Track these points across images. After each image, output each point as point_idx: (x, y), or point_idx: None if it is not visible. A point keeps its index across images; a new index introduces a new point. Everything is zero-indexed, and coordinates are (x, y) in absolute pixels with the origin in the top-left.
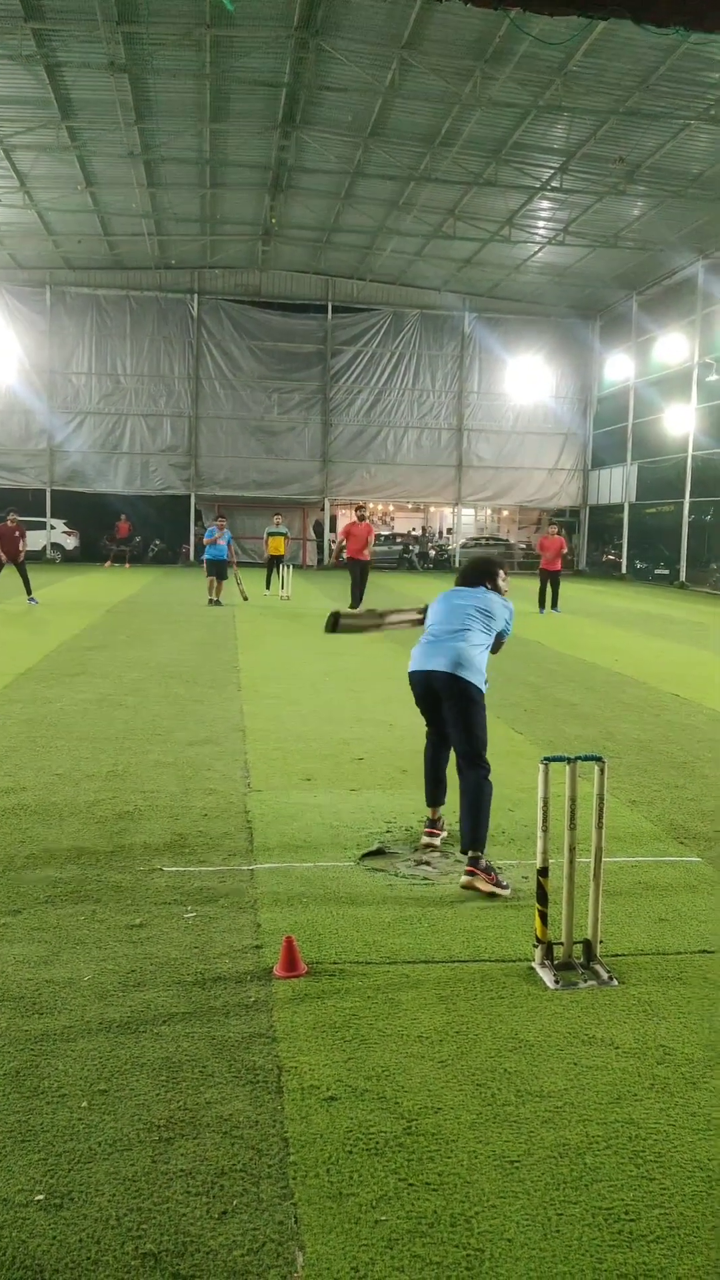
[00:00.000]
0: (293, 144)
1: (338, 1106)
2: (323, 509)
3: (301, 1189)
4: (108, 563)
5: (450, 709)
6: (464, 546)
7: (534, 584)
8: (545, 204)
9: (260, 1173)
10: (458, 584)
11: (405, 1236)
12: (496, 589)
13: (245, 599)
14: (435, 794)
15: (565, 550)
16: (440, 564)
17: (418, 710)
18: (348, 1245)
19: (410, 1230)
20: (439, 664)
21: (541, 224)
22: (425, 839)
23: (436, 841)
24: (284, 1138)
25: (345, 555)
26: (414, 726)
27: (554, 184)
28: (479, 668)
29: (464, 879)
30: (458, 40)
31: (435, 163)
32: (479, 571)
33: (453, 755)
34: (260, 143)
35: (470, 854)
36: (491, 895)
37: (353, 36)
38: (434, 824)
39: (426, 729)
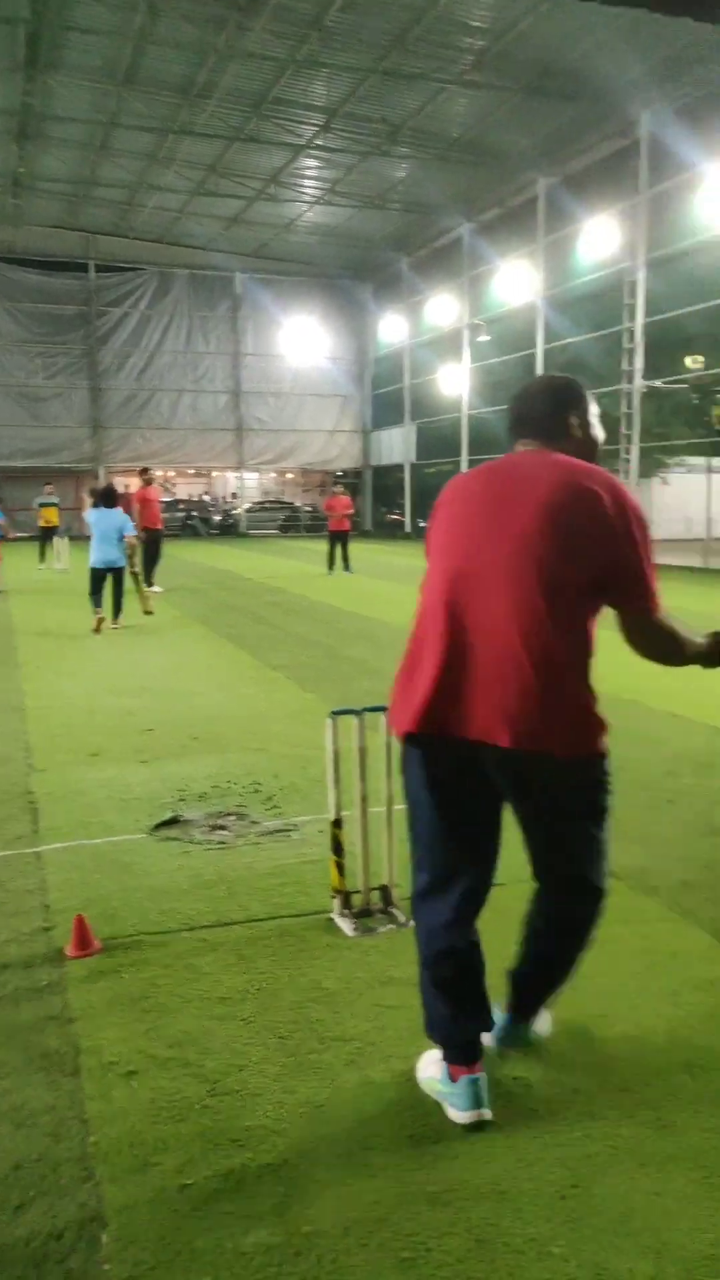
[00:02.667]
0: (39, 89)
1: (139, 1079)
2: (97, 476)
3: (104, 1167)
4: None
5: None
6: (249, 511)
7: (324, 546)
8: (310, 162)
9: (59, 1158)
10: None
11: (213, 1196)
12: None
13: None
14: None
15: (351, 511)
16: (226, 529)
17: (201, 674)
18: (154, 1215)
19: (218, 1189)
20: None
21: (308, 183)
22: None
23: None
24: (83, 1119)
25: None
26: (199, 691)
27: (317, 142)
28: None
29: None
30: None
31: (194, 115)
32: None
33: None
34: (2, 86)
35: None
36: None
37: None
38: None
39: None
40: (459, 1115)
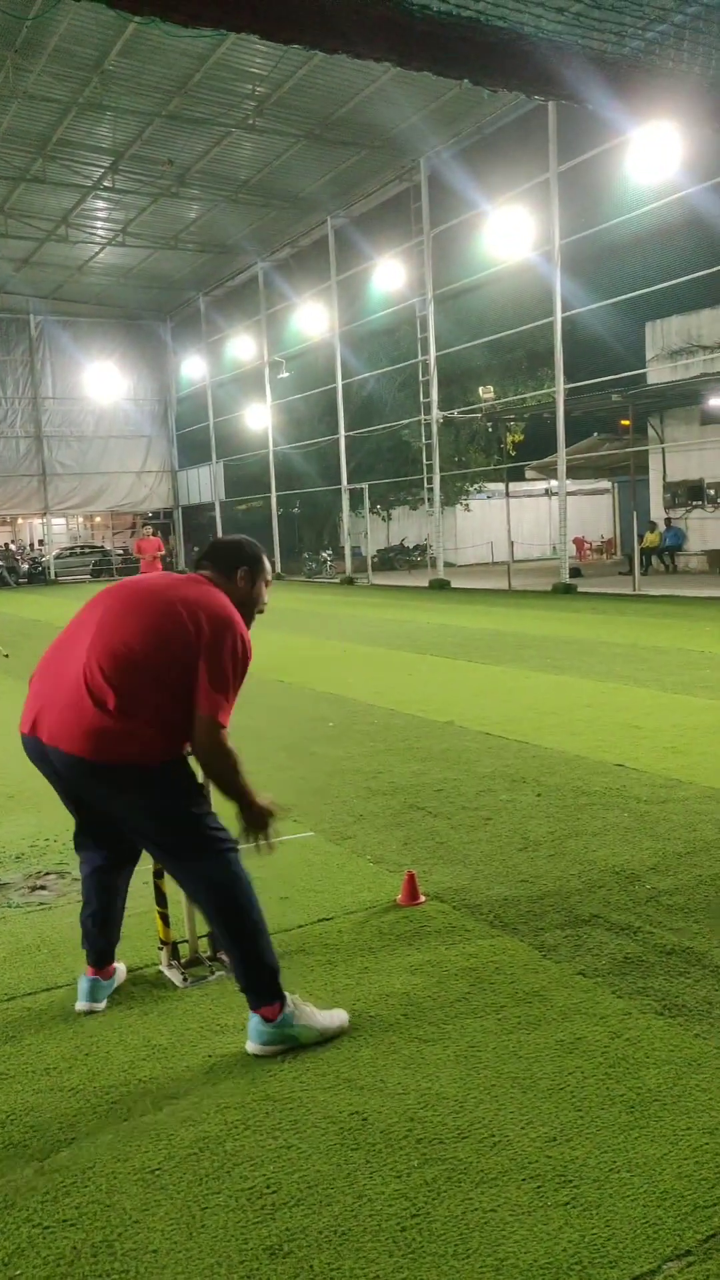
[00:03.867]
0: None
1: None
2: None
3: None
4: None
5: None
6: (58, 557)
7: None
8: (101, 204)
9: None
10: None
11: None
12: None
13: None
14: None
15: (162, 551)
16: (35, 577)
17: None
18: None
19: (49, 1275)
20: None
21: (100, 224)
22: None
23: None
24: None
25: None
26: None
27: (105, 184)
28: None
29: None
30: None
31: None
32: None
33: None
34: None
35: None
36: None
37: None
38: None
39: None
40: (78, 1005)
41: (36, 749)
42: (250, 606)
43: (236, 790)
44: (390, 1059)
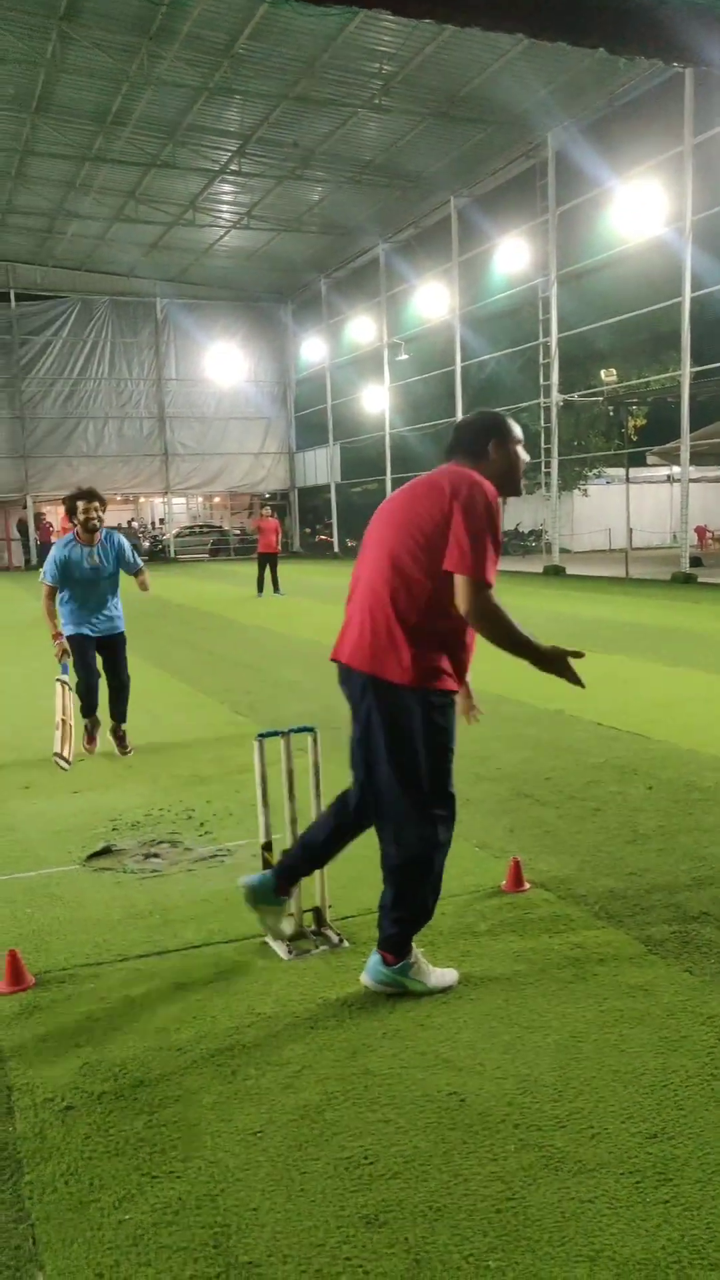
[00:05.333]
0: None
1: (74, 1115)
2: (25, 507)
3: (38, 1207)
4: None
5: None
6: (178, 536)
7: (253, 569)
8: (227, 187)
9: None
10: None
11: (150, 1230)
12: None
13: None
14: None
15: (279, 533)
16: (155, 555)
17: (133, 703)
18: (91, 1252)
19: (155, 1222)
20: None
21: (225, 207)
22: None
23: None
24: (17, 1159)
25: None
26: (131, 720)
27: (233, 167)
28: None
29: None
30: (119, 15)
31: (109, 142)
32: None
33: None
34: None
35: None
36: None
37: (4, 3)
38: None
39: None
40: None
41: (340, 673)
42: (513, 474)
43: (521, 645)
44: (490, 1043)
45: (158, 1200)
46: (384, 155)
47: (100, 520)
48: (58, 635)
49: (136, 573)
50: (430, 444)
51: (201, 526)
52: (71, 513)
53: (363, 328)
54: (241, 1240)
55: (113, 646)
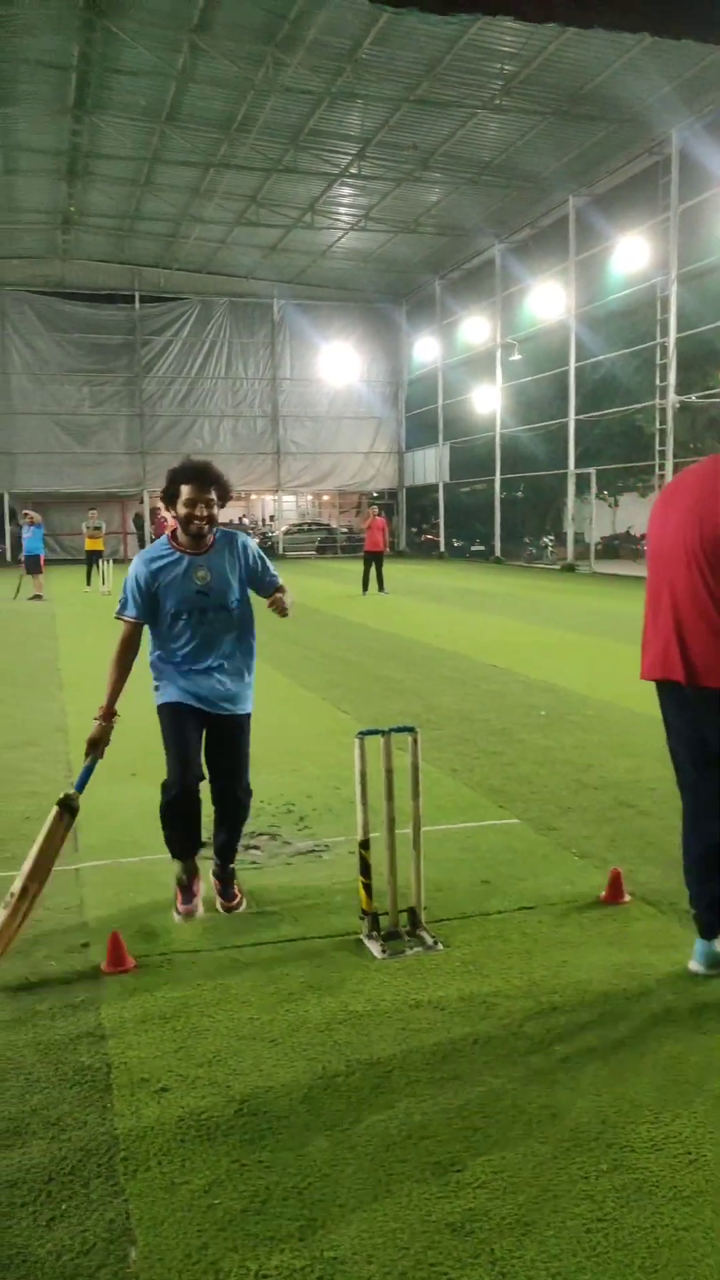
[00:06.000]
0: (86, 129)
1: (169, 1097)
2: (141, 501)
3: (133, 1184)
4: None
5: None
6: (287, 533)
7: (358, 567)
8: (346, 190)
9: (90, 1173)
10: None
11: (239, 1216)
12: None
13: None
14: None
15: (386, 532)
16: (264, 551)
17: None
18: (181, 1233)
19: (244, 1209)
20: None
21: (344, 210)
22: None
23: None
24: (114, 1135)
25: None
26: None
27: (352, 170)
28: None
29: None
30: (247, 25)
31: (234, 149)
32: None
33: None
34: (52, 127)
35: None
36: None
37: (140, 18)
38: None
39: None
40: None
41: (669, 692)
42: None
43: None
44: (585, 1058)
45: (246, 1188)
46: (503, 156)
47: (213, 519)
48: (106, 712)
49: (273, 593)
50: (543, 444)
51: (310, 524)
52: (171, 500)
53: (476, 328)
54: (328, 1235)
55: (228, 733)
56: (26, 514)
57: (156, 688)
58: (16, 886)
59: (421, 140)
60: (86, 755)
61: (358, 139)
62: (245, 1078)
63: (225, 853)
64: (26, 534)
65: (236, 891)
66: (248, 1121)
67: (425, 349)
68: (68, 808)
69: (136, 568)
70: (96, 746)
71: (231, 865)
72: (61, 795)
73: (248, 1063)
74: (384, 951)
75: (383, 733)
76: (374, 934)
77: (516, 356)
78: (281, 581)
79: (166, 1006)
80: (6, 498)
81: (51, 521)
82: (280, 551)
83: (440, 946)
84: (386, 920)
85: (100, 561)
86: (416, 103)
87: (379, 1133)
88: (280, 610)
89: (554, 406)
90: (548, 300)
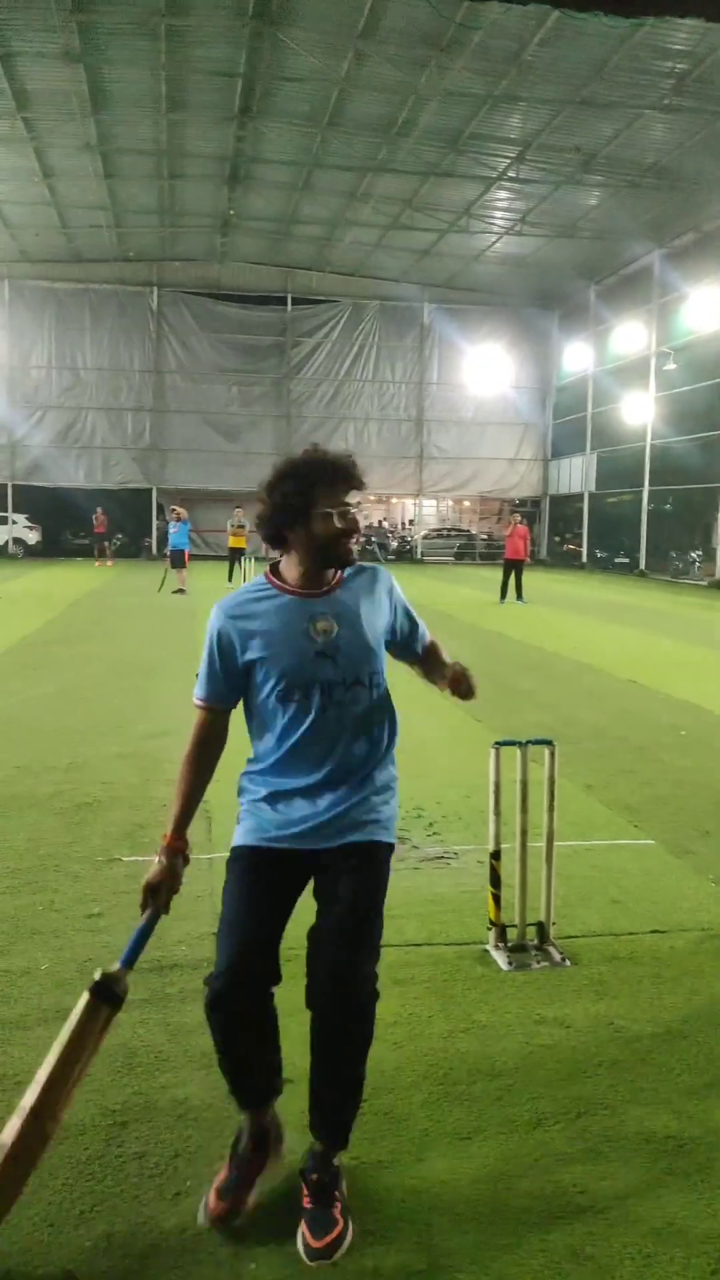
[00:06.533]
0: (250, 135)
1: (291, 1089)
2: None
3: None
4: (103, 561)
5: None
6: (426, 538)
7: (497, 574)
8: (502, 194)
9: (214, 1154)
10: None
11: (355, 1212)
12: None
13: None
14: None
15: (527, 541)
16: (402, 555)
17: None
18: (291, 1226)
19: (361, 1207)
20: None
21: (499, 214)
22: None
23: None
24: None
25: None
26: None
27: (510, 174)
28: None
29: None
30: (413, 30)
31: (392, 153)
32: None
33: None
34: (218, 133)
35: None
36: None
37: (308, 26)
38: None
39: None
40: None
41: None
42: None
43: None
44: (711, 1090)
45: (364, 1185)
46: (668, 158)
47: (356, 532)
48: (172, 842)
49: (423, 651)
50: (694, 456)
51: (450, 529)
52: (292, 515)
53: (629, 336)
54: (444, 1242)
55: (350, 874)
56: (174, 509)
57: (240, 819)
58: (28, 1100)
59: (584, 143)
60: (143, 908)
61: (518, 141)
62: (369, 1078)
63: (331, 1127)
64: (173, 529)
65: (338, 1215)
66: (368, 1121)
67: (575, 356)
68: (107, 995)
69: (215, 622)
70: (157, 894)
71: (337, 1160)
72: (97, 975)
73: (370, 1063)
74: (510, 964)
75: (520, 744)
76: (501, 945)
77: (671, 365)
78: (432, 637)
79: (293, 1000)
80: (155, 493)
81: (197, 518)
82: (418, 556)
83: (568, 963)
84: (514, 933)
85: (243, 559)
86: (580, 104)
87: (499, 1146)
88: (468, 690)
89: (710, 418)
90: (708, 308)
